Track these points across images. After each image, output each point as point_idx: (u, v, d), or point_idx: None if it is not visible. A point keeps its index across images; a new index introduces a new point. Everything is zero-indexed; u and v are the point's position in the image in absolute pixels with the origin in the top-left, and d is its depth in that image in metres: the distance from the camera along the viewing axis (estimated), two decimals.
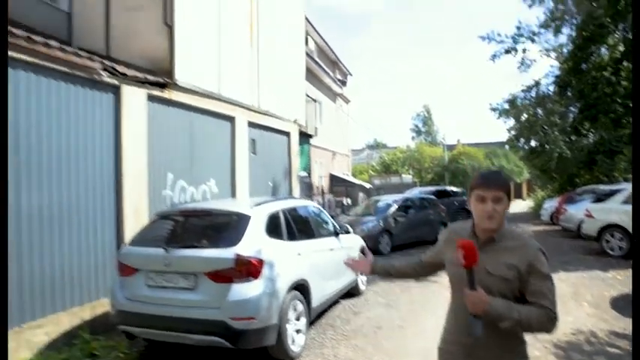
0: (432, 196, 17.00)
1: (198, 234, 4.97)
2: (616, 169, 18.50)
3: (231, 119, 9.38)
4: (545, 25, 20.00)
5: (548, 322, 1.94)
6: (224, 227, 4.89)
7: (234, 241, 4.50)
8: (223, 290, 4.32)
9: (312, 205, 6.85)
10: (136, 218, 6.65)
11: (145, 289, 4.70)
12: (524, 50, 20.75)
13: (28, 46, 5.02)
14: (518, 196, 47.44)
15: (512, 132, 27.10)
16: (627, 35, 15.72)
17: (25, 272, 5.04)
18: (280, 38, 11.82)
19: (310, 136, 15.58)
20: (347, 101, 29.04)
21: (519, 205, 35.67)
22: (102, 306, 5.92)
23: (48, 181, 5.43)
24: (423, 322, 6.20)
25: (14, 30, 4.86)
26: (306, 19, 15.98)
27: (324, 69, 21.94)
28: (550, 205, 20.23)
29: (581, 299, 7.28)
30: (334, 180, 24.77)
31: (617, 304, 6.89)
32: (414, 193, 19.46)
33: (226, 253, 4.38)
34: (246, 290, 4.33)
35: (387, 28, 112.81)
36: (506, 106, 24.43)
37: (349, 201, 22.97)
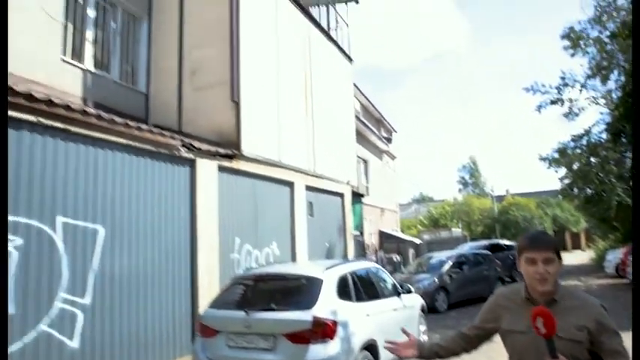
0: (486, 251, 16.72)
1: (274, 297, 5.30)
2: None
3: (290, 184, 9.93)
4: (591, 75, 20.03)
5: None
6: (299, 290, 5.21)
7: (310, 303, 4.79)
8: (301, 351, 4.58)
9: (374, 267, 7.07)
10: (209, 281, 7.10)
11: (226, 350, 5.01)
12: (570, 100, 20.72)
13: (125, 131, 5.75)
14: (576, 246, 45.38)
15: (565, 181, 26.47)
16: None
17: (106, 338, 5.50)
18: (332, 104, 12.53)
19: (362, 195, 15.96)
20: (393, 157, 29.47)
21: (579, 257, 34.05)
22: None
23: (136, 247, 6.01)
24: None
25: (115, 118, 5.61)
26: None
27: (370, 128, 22.62)
28: (614, 256, 19.33)
29: None
30: (384, 236, 24.77)
31: None
32: (467, 248, 19.19)
33: (304, 316, 4.67)
34: (323, 350, 4.57)
35: (425, 82, 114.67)
36: (556, 155, 24.07)
37: (400, 257, 22.81)
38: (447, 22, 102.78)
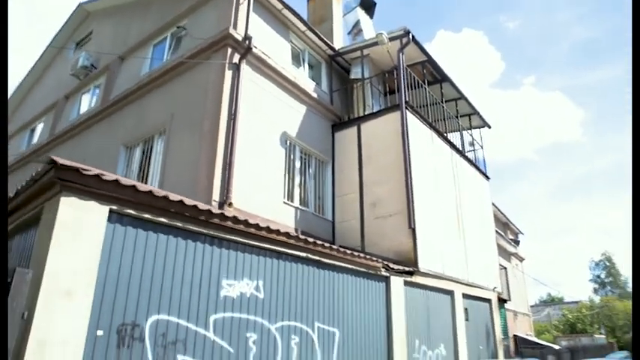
0: None
1: None
2: None
3: (451, 293, 11.57)
4: None
5: None
6: None
7: None
8: None
9: None
10: None
11: None
12: None
13: (349, 258, 8.07)
14: None
15: None
16: None
17: None
18: (476, 219, 14.28)
19: (505, 301, 16.83)
20: (521, 260, 29.47)
21: None
22: None
23: (356, 345, 7.99)
24: None
25: (346, 249, 7.97)
26: None
27: (498, 232, 23.55)
28: None
29: None
30: (519, 341, 24.31)
31: None
32: (619, 356, 18.51)
33: None
34: None
35: (541, 175, 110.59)
36: None
37: None
38: (561, 111, 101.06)
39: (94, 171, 4.69)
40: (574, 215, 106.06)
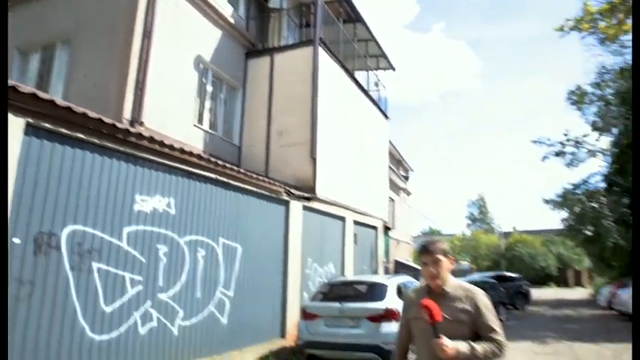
0: (493, 280, 19.45)
1: (358, 294, 8.19)
2: None
3: (343, 219, 12.89)
4: (593, 129, 23.04)
5: (499, 350, 2.45)
6: (373, 290, 8.07)
7: (382, 298, 7.65)
8: (377, 327, 7.40)
9: (413, 281, 9.93)
10: (293, 287, 9.98)
11: (324, 328, 7.86)
12: (572, 153, 23.72)
13: (254, 181, 8.77)
14: (579, 283, 47.36)
15: (567, 222, 29.07)
16: None
17: (238, 319, 8.29)
18: (373, 154, 15.59)
19: (390, 229, 18.87)
20: (408, 194, 32.34)
21: (579, 292, 36.36)
22: (275, 344, 9.07)
23: (255, 261, 8.92)
24: None
25: (252, 174, 8.64)
26: None
27: (391, 167, 25.61)
28: (607, 291, 21.84)
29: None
30: (399, 265, 27.42)
31: None
32: (476, 276, 21.91)
33: (379, 305, 7.52)
34: (390, 327, 7.39)
35: (436, 118, 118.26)
36: (559, 199, 26.81)
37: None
38: (460, 59, 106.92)
39: (10, 82, 4.74)
40: (463, 157, 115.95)
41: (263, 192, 9.24)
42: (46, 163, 5.16)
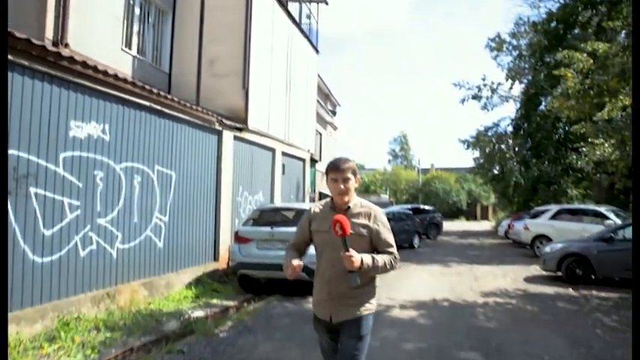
0: (409, 211, 21.12)
1: (285, 219, 8.80)
2: (552, 196, 22.92)
3: (272, 150, 13.28)
4: (507, 78, 24.72)
5: (394, 263, 2.71)
6: (300, 215, 8.68)
7: None
8: None
9: None
10: (225, 214, 10.41)
11: (256, 251, 8.48)
12: (487, 97, 25.44)
13: (187, 110, 8.84)
14: (485, 217, 52.13)
15: (478, 161, 31.54)
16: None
17: (174, 243, 8.67)
18: (302, 87, 15.83)
19: (317, 161, 19.56)
20: (335, 128, 33.13)
21: (484, 225, 40.29)
22: (208, 267, 9.61)
23: (190, 188, 9.18)
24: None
25: (186, 102, 8.68)
26: None
27: (319, 101, 26.01)
28: (505, 223, 24.47)
29: (507, 277, 11.33)
30: (322, 196, 28.63)
31: (527, 279, 10.96)
32: (395, 208, 23.59)
33: None
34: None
35: (363, 53, 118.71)
36: (472, 140, 28.87)
37: None
38: None
39: None
40: (389, 95, 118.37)
41: (196, 121, 9.33)
42: None
